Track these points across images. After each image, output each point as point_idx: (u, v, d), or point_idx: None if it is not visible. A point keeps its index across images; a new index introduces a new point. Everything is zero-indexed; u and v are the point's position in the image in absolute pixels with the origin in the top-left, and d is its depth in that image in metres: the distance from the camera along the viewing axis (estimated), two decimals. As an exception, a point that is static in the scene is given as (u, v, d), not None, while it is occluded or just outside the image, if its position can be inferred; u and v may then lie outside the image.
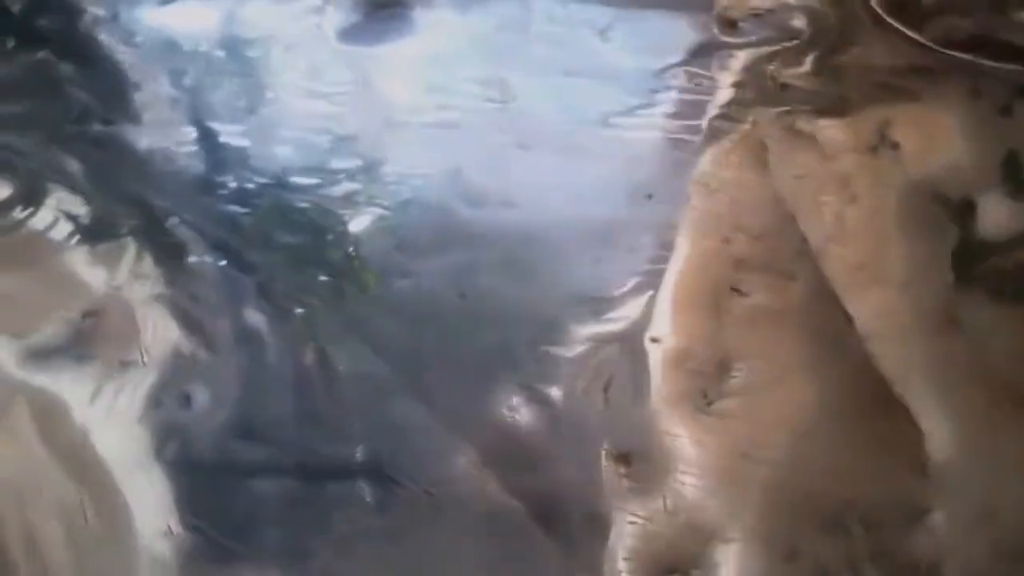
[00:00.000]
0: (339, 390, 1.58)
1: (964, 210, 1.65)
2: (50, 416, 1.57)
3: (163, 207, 1.73)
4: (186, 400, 1.59)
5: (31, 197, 1.72)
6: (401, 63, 1.79)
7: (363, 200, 1.74)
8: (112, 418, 1.57)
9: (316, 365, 1.60)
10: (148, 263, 1.67)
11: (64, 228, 1.70)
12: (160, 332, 1.62)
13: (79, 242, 1.69)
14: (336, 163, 1.75)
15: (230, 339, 1.63)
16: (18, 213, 1.71)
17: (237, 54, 1.80)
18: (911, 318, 1.55)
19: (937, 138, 1.72)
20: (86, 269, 1.67)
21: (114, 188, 1.74)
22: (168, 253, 1.68)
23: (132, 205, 1.73)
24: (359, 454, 1.54)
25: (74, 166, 1.74)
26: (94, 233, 1.70)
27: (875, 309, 1.57)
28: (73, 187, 1.73)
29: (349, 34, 1.81)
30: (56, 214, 1.71)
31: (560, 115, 1.77)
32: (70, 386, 1.59)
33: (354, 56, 1.79)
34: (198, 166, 1.76)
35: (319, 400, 1.58)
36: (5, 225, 1.70)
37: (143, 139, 1.77)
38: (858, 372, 1.52)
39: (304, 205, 1.73)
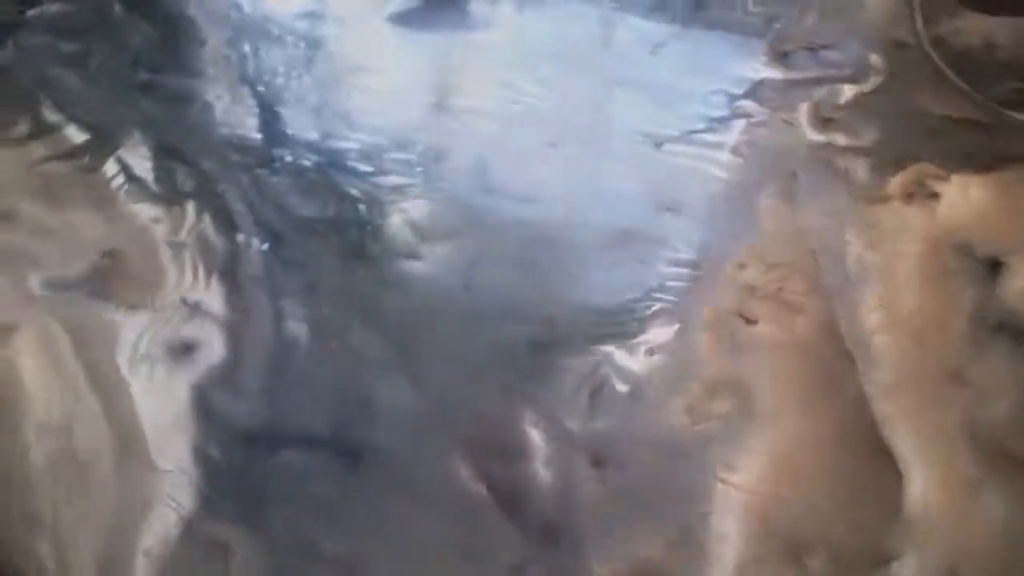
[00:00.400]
0: (329, 365, 1.60)
1: (992, 269, 1.60)
2: (62, 344, 1.61)
3: (216, 171, 1.77)
4: (190, 350, 1.62)
5: (100, 147, 1.78)
6: (451, 53, 1.82)
7: (394, 189, 1.76)
8: (128, 358, 1.61)
9: (312, 337, 1.62)
10: (202, 226, 1.71)
11: (122, 178, 1.75)
12: (182, 283, 1.66)
13: (135, 192, 1.74)
14: (371, 147, 1.78)
15: (252, 308, 1.66)
16: (87, 160, 1.76)
17: (295, 26, 1.84)
18: (916, 367, 1.52)
19: (978, 194, 1.67)
20: (139, 219, 1.72)
21: (174, 145, 1.79)
22: (219, 221, 1.73)
23: (189, 165, 1.78)
24: (336, 427, 1.56)
25: (139, 118, 1.80)
26: (150, 188, 1.76)
27: (881, 354, 1.54)
28: (136, 140, 1.78)
29: (404, 18, 1.84)
30: (119, 165, 1.76)
31: (598, 122, 1.77)
32: (85, 320, 1.63)
33: (405, 41, 1.82)
34: (255, 136, 1.81)
35: (309, 372, 1.60)
36: (79, 167, 1.76)
37: (201, 98, 1.83)
38: (850, 413, 1.49)
39: (352, 191, 1.76)
